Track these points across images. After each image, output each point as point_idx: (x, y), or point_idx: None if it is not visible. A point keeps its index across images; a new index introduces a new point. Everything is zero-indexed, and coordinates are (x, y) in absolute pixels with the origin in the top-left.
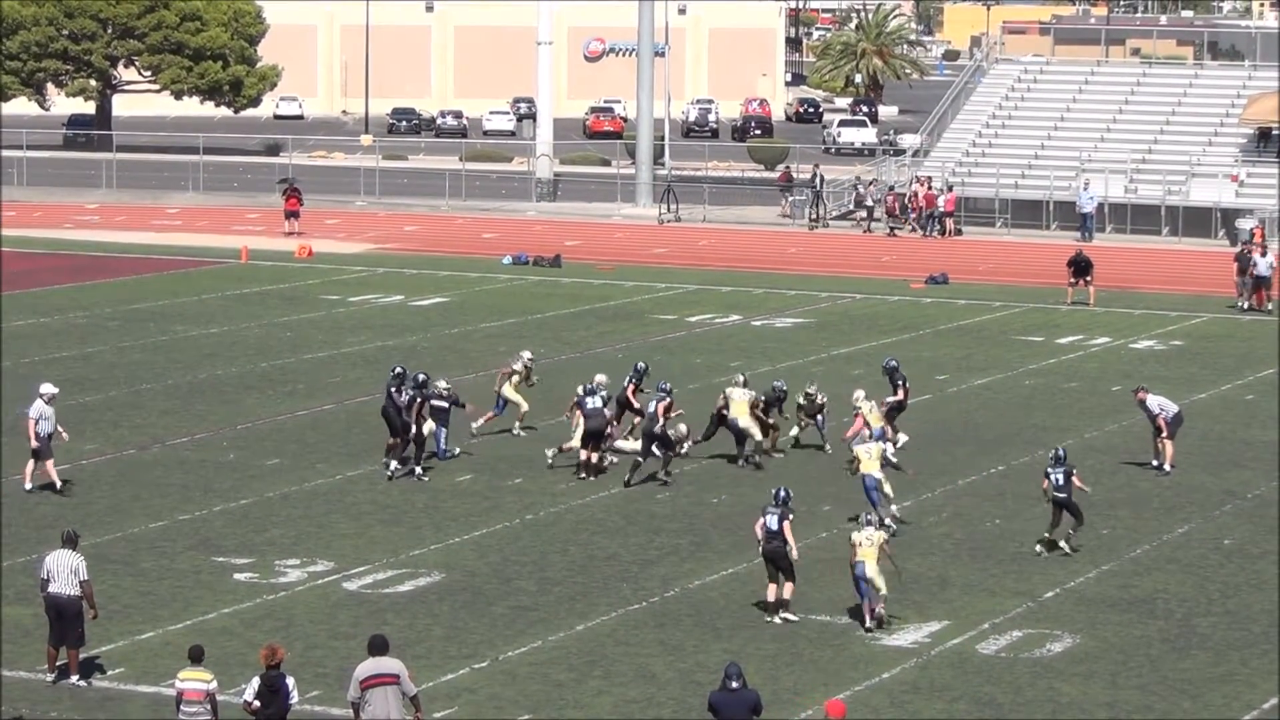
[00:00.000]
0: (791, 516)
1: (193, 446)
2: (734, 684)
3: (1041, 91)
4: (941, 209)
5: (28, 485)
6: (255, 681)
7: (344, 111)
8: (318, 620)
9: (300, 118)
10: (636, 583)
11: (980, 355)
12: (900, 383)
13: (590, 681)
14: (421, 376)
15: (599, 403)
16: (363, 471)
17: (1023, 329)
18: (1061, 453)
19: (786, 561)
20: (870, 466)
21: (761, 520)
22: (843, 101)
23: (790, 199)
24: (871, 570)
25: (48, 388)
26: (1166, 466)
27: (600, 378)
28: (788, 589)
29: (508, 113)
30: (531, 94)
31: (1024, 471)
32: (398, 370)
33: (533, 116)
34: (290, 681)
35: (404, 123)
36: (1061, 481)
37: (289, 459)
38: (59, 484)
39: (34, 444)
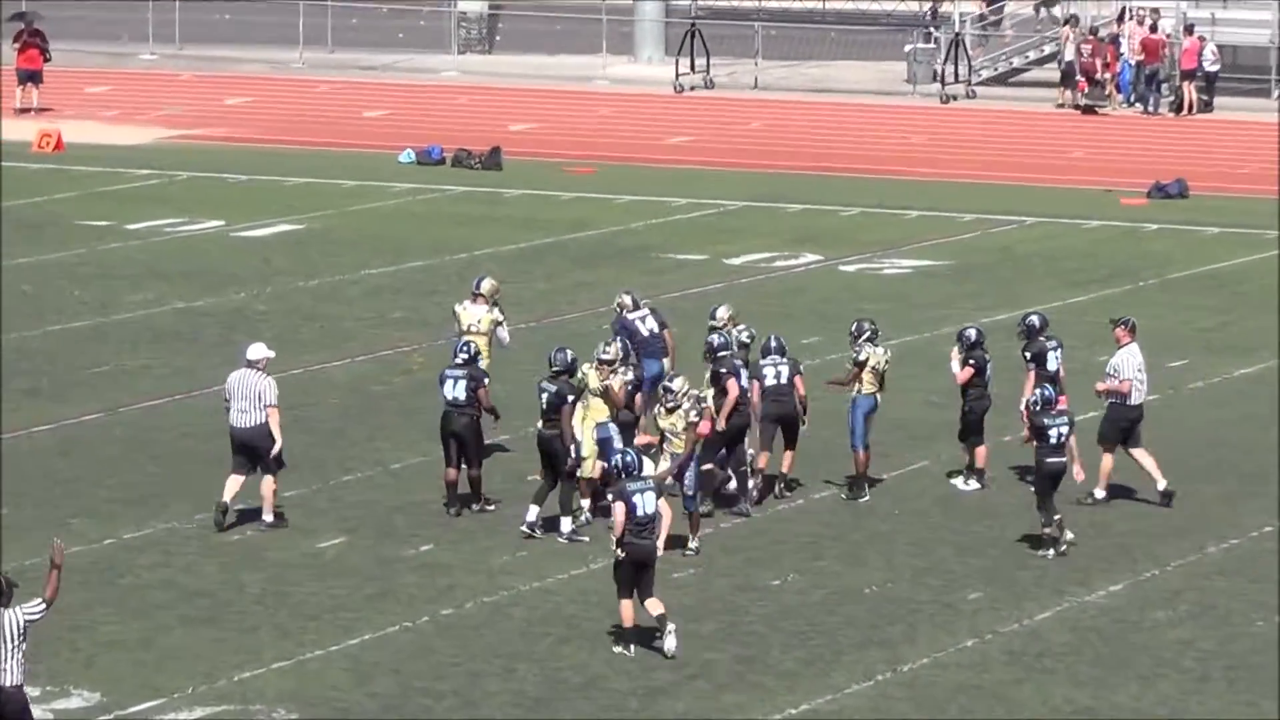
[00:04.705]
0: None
1: None
2: None
3: None
4: (1174, 67)
5: (226, 496)
6: None
7: None
8: None
9: None
10: None
11: (1242, 324)
12: (970, 364)
13: None
14: (572, 354)
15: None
16: (153, 531)
17: None
18: (1050, 394)
19: (654, 568)
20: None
21: (624, 503)
22: None
23: (913, 46)
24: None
25: (258, 350)
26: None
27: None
28: (655, 606)
29: None
30: None
31: None
32: (568, 357)
33: None
34: None
35: None
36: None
37: (25, 508)
38: (269, 518)
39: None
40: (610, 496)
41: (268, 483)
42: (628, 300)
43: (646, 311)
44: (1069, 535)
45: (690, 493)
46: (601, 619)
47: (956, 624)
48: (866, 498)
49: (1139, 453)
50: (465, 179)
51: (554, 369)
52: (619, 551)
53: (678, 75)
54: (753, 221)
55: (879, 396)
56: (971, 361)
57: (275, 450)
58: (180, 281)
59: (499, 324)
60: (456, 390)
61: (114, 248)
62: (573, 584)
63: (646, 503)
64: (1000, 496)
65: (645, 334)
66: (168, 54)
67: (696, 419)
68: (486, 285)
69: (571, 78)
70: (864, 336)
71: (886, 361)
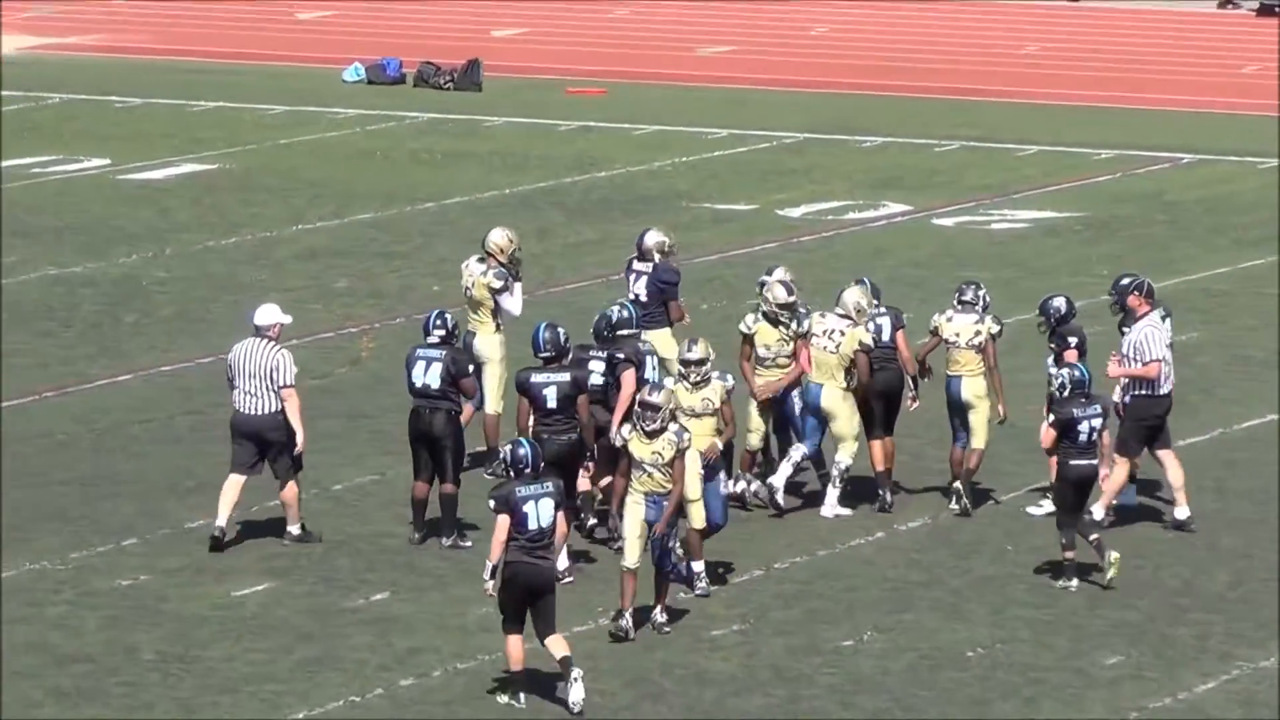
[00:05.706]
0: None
1: None
2: None
3: None
4: None
5: (222, 520)
6: None
7: None
8: None
9: None
10: None
11: None
12: (1073, 345)
13: None
14: (564, 332)
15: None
16: (15, 574)
17: None
18: (1081, 373)
19: (554, 595)
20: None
21: (512, 514)
22: None
23: None
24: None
25: (269, 313)
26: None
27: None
28: (558, 646)
29: None
30: None
31: None
32: (560, 336)
33: None
34: None
35: None
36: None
37: None
38: (295, 530)
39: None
40: (491, 504)
41: (290, 488)
42: (649, 242)
43: (647, 269)
44: (1112, 558)
45: (672, 541)
46: (615, 689)
47: (1090, 697)
48: (951, 503)
49: (1166, 455)
50: (432, 103)
51: (543, 354)
52: (492, 581)
53: None
54: (817, 160)
55: (964, 380)
56: (1073, 342)
57: (298, 448)
58: (52, 241)
59: (496, 291)
60: (428, 376)
61: None
62: (584, 640)
63: (542, 513)
64: (1147, 529)
65: (629, 297)
66: None
67: (688, 445)
68: (494, 238)
69: None
70: (959, 297)
71: (991, 334)
